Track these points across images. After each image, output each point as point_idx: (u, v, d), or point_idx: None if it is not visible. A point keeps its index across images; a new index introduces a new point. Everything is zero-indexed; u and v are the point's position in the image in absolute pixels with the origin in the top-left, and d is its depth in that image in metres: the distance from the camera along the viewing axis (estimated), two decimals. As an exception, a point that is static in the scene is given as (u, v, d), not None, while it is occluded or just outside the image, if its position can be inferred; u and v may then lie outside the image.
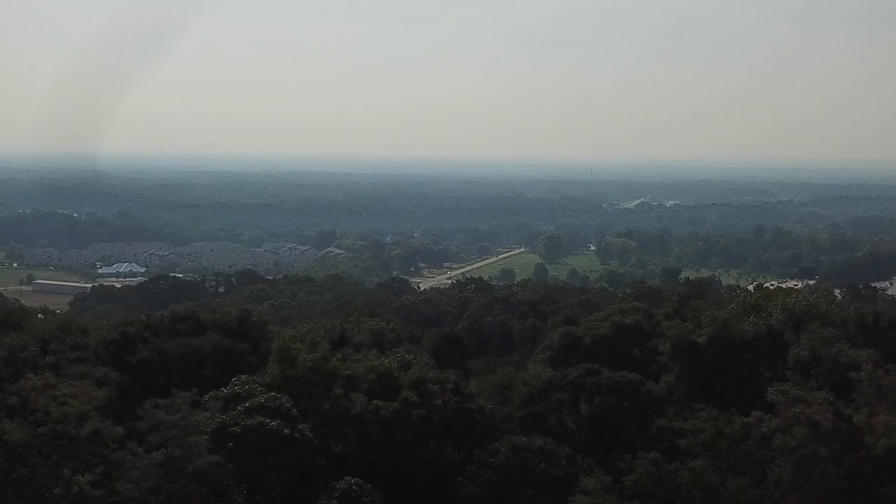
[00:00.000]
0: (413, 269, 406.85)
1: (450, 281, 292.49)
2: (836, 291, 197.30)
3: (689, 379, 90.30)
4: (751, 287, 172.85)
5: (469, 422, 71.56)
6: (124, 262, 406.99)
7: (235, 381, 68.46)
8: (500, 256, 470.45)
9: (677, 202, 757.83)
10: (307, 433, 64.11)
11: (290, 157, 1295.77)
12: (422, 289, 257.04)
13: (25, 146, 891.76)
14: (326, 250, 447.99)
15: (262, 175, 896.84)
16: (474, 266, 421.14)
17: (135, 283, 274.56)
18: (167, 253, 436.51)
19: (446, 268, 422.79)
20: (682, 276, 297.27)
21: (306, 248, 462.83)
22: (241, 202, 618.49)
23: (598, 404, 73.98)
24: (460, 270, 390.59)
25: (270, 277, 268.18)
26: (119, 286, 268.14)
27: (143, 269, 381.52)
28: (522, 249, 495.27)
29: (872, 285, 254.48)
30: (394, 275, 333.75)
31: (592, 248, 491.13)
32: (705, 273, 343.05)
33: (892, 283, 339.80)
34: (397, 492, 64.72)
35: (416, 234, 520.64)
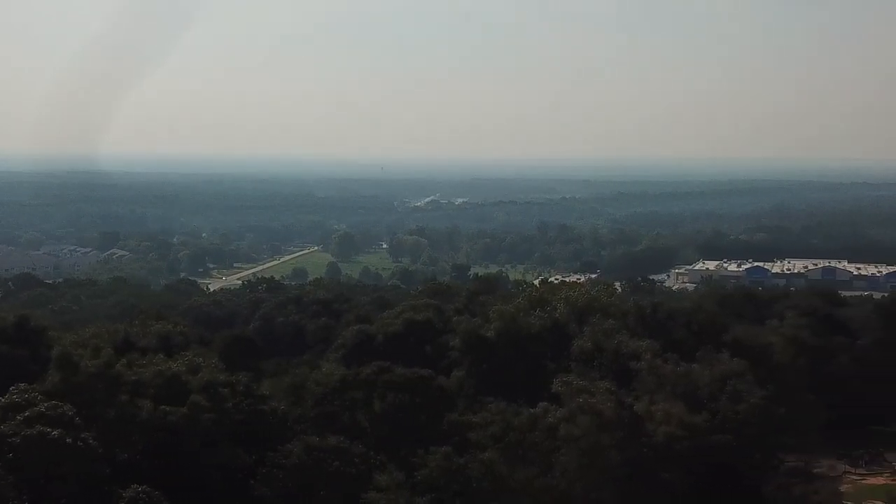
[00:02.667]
0: (202, 270, 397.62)
1: (240, 281, 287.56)
2: (617, 284, 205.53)
3: (478, 373, 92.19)
4: (536, 282, 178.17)
5: (261, 423, 70.76)
6: None
7: (14, 389, 65.27)
8: (292, 256, 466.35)
9: (466, 200, 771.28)
10: (91, 441, 61.78)
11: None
12: (211, 290, 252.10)
13: None
14: (110, 252, 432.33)
15: (45, 174, 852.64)
16: (266, 266, 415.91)
17: None
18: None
19: (237, 268, 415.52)
20: (471, 272, 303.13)
21: (89, 250, 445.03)
22: (20, 202, 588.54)
23: (390, 401, 74.50)
24: (251, 270, 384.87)
25: (51, 281, 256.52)
26: None
27: None
28: (315, 248, 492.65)
29: (650, 278, 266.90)
30: (182, 276, 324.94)
31: (385, 246, 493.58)
32: (494, 269, 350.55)
33: (668, 276, 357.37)
34: (188, 498, 63.19)
35: (204, 234, 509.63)
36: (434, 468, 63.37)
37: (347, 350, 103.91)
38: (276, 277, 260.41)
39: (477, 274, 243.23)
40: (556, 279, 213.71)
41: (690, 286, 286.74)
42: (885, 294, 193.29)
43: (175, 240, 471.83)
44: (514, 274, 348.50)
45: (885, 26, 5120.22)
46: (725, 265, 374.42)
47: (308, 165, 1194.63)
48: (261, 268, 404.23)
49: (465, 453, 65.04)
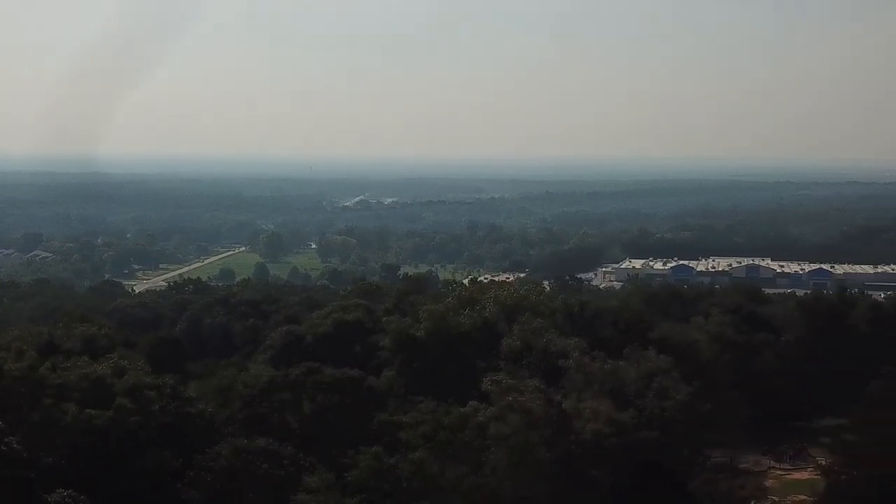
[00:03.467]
0: (127, 272, 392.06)
1: (167, 283, 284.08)
2: (545, 283, 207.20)
3: (409, 372, 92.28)
4: (466, 281, 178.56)
5: (189, 426, 70.02)
6: None
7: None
8: (219, 256, 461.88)
9: (395, 200, 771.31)
10: (15, 445, 60.66)
11: None
12: (137, 291, 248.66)
13: None
14: (32, 253, 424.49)
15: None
16: (193, 267, 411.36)
17: None
18: None
19: (163, 269, 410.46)
20: (401, 272, 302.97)
21: (10, 251, 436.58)
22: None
23: (320, 402, 74.31)
24: (178, 271, 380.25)
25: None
26: None
27: None
28: (243, 249, 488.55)
29: (578, 277, 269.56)
30: (106, 278, 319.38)
31: (313, 246, 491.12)
32: (423, 269, 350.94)
33: (596, 275, 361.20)
34: (114, 502, 62.31)
35: (129, 235, 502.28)
36: (364, 469, 63.29)
37: (276, 351, 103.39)
38: (203, 278, 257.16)
39: (407, 274, 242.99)
40: (486, 278, 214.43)
41: (617, 284, 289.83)
42: (808, 291, 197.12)
43: (99, 241, 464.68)
44: (443, 273, 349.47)
45: (818, 27, 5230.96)
46: (651, 263, 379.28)
47: (234, 165, 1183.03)
48: (187, 269, 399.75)
49: (395, 453, 65.05)
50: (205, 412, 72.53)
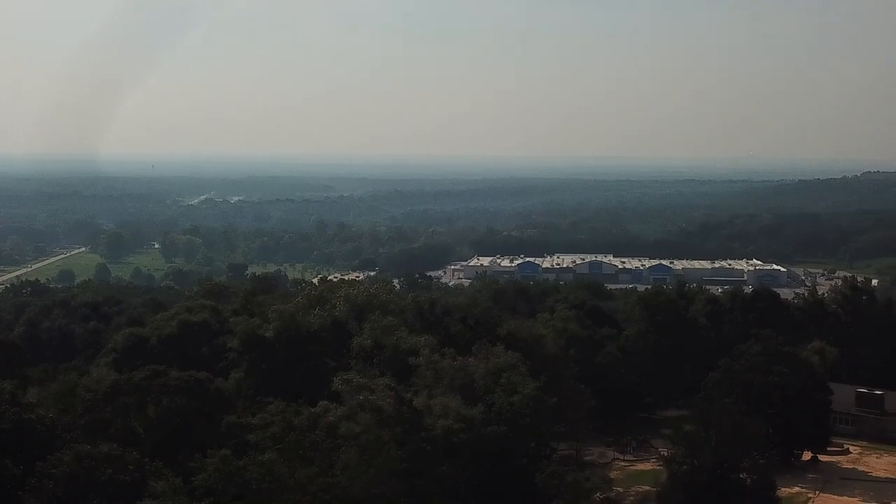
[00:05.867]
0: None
1: (2, 285, 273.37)
2: (395, 281, 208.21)
3: (257, 373, 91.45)
4: (315, 280, 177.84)
5: (28, 433, 67.61)
6: None
7: None
8: (58, 257, 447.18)
9: (242, 198, 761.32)
10: None
11: None
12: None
13: None
14: None
15: None
16: (30, 268, 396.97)
17: None
18: None
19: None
20: (248, 271, 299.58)
21: None
22: None
23: (165, 405, 72.82)
24: (15, 273, 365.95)
25: None
26: None
27: None
28: (83, 249, 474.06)
29: (428, 274, 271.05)
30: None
31: (157, 246, 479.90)
32: (272, 268, 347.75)
33: (445, 272, 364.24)
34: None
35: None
36: (212, 472, 62.32)
37: (119, 354, 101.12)
38: (42, 280, 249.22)
39: (254, 273, 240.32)
40: (335, 277, 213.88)
41: (466, 282, 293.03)
42: (648, 287, 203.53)
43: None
44: (292, 273, 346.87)
45: (653, 30, 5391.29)
46: (499, 261, 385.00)
47: (71, 164, 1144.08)
48: (24, 270, 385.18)
49: (244, 456, 64.27)
50: (45, 418, 70.19)
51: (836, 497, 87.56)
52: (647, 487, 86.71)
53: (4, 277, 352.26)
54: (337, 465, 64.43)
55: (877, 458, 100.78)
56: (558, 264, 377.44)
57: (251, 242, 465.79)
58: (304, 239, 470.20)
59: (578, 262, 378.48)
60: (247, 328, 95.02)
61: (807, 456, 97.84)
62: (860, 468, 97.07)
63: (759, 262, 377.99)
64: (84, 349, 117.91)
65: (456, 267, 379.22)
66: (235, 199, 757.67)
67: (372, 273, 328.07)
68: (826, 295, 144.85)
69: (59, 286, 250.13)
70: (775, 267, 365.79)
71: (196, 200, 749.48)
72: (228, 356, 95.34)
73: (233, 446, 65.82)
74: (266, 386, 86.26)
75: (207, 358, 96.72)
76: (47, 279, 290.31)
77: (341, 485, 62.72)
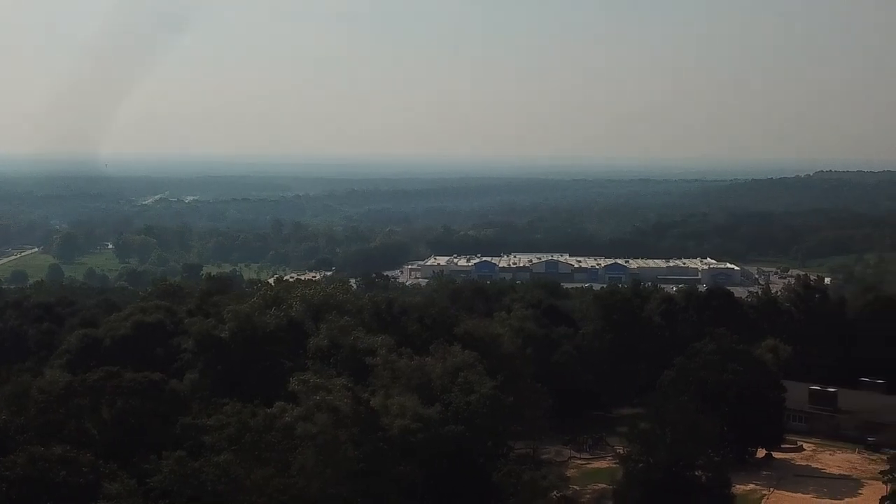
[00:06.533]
0: None
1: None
2: (352, 281, 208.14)
3: (213, 374, 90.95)
4: (271, 280, 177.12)
5: (-21, 436, 66.71)
6: None
7: None
8: (10, 258, 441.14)
9: (197, 198, 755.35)
10: None
11: None
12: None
13: None
14: None
15: None
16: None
17: None
18: None
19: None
20: (203, 271, 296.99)
21: None
22: None
23: (120, 407, 72.19)
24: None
25: None
26: None
27: None
28: (35, 250, 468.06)
29: (385, 274, 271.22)
30: None
31: (111, 246, 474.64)
32: (227, 268, 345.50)
33: (402, 272, 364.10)
34: None
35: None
36: (167, 474, 61.93)
37: (73, 355, 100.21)
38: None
39: (210, 273, 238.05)
40: (292, 277, 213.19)
41: (423, 281, 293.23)
42: (604, 285, 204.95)
43: None
44: (248, 273, 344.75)
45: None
46: (455, 260, 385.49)
47: (22, 164, 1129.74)
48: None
49: (199, 457, 63.90)
50: (-3, 421, 69.30)
51: (790, 494, 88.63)
52: (604, 485, 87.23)
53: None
54: (293, 465, 64.20)
55: (830, 454, 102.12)
56: (515, 263, 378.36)
57: (206, 242, 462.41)
58: (260, 239, 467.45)
59: (535, 261, 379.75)
60: (202, 329, 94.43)
61: (761, 453, 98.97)
62: (814, 465, 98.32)
63: (713, 261, 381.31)
64: (37, 350, 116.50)
65: (413, 267, 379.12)
66: (190, 198, 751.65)
67: (328, 273, 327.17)
68: (779, 293, 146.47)
69: (12, 287, 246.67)
70: (729, 266, 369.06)
71: (150, 200, 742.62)
72: (183, 357, 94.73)
73: (188, 447, 65.44)
74: (222, 387, 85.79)
75: (162, 359, 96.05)
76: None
77: (298, 485, 62.50)
